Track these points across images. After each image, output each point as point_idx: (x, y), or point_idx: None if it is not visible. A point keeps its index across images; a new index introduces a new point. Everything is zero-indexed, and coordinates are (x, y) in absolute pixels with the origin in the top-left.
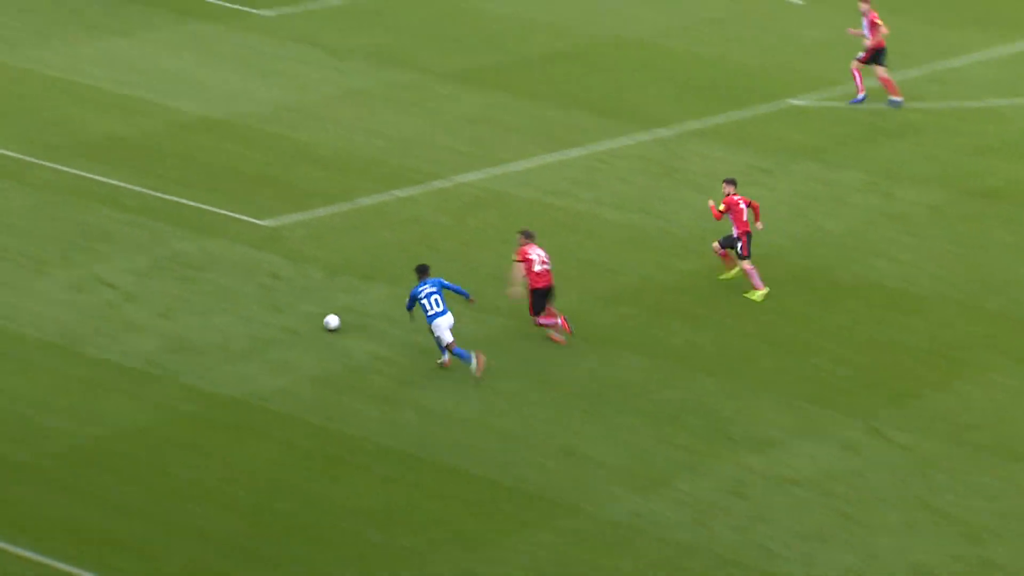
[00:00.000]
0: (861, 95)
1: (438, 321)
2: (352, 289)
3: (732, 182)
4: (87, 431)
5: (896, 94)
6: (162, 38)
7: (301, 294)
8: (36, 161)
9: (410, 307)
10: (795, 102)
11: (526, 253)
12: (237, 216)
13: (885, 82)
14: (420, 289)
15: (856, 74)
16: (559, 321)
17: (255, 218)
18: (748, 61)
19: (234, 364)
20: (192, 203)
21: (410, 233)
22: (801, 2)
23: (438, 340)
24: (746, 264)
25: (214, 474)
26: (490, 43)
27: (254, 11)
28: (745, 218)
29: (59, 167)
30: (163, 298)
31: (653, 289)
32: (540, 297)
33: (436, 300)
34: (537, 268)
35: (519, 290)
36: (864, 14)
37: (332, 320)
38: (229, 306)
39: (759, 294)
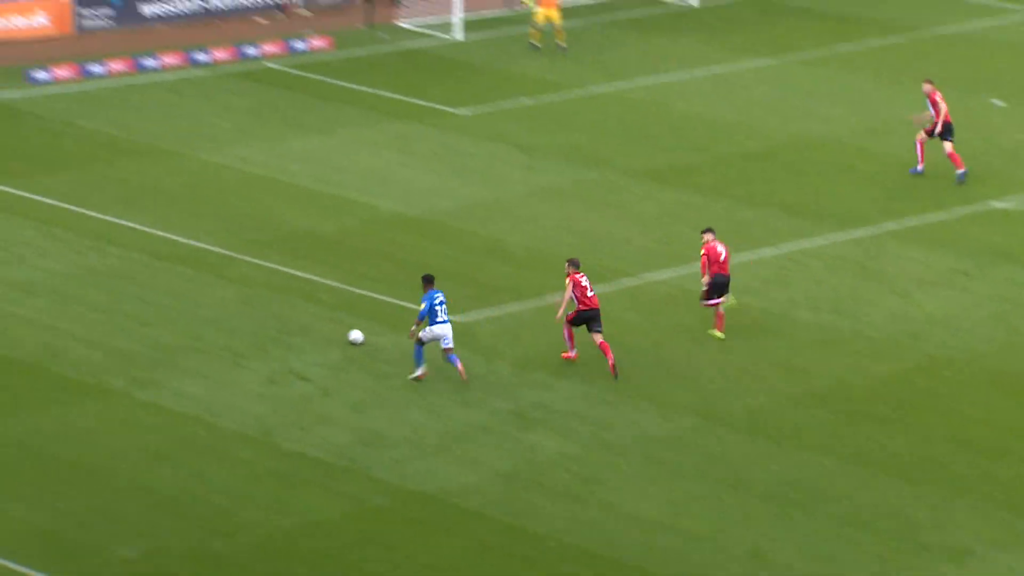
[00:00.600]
0: (920, 167)
1: (442, 329)
2: (541, 385)
3: (711, 231)
4: (280, 522)
5: (960, 166)
6: (361, 136)
7: (491, 389)
8: (236, 256)
9: (425, 314)
10: (997, 204)
11: (578, 281)
12: None
13: (952, 157)
14: (436, 296)
15: (920, 146)
16: (572, 354)
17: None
18: (948, 162)
19: (424, 459)
20: (386, 298)
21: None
22: (1003, 104)
23: (420, 350)
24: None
25: (403, 569)
26: (681, 142)
27: (451, 110)
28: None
29: (258, 261)
30: (356, 392)
31: (845, 391)
32: (585, 318)
33: (445, 309)
34: (590, 293)
35: (559, 305)
36: (927, 95)
37: (356, 336)
38: (420, 401)
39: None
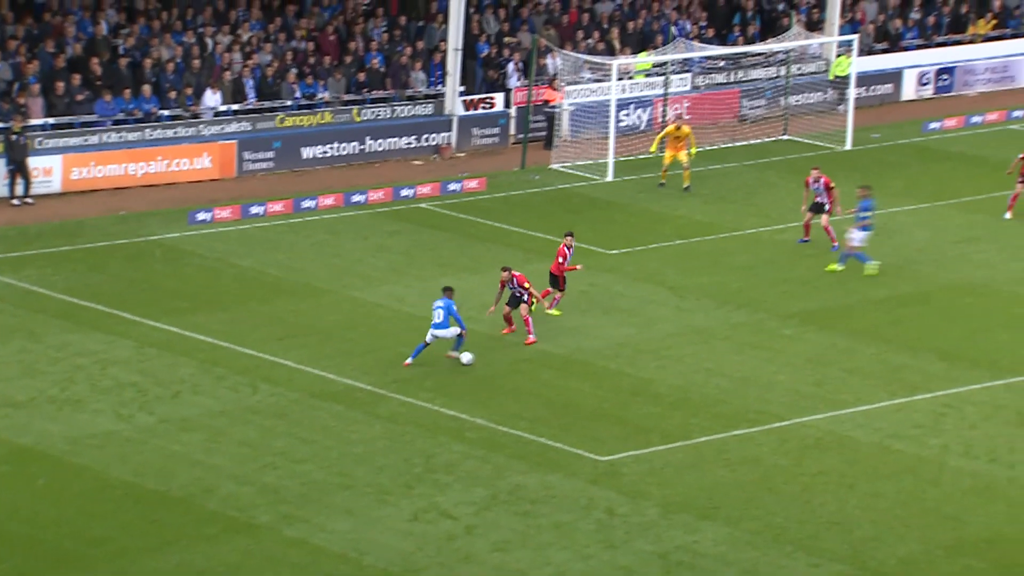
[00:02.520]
0: None
1: (443, 333)
2: (688, 527)
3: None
4: None
5: None
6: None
7: (636, 531)
8: (387, 393)
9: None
10: None
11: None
12: (575, 451)
13: None
14: (453, 304)
15: None
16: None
17: (593, 453)
18: None
19: None
20: (532, 437)
21: (748, 473)
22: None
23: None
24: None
25: None
26: (833, 285)
27: (601, 250)
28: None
29: (407, 399)
30: (500, 531)
31: (1001, 542)
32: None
33: (440, 314)
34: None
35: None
36: None
37: (467, 358)
38: (565, 541)
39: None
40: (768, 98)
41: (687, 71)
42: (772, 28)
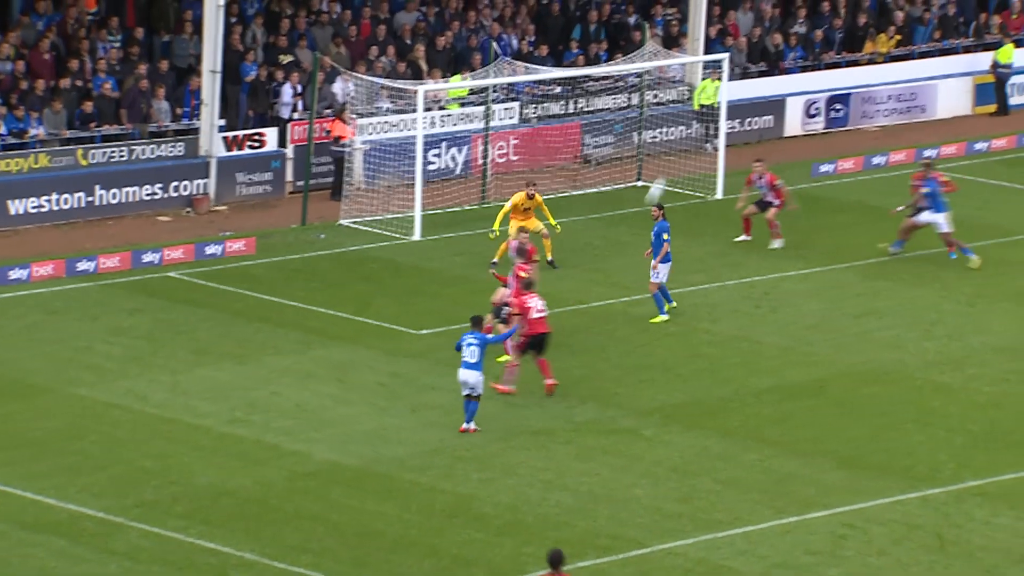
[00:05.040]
0: None
1: (464, 374)
2: None
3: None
4: None
5: None
6: (287, 365)
7: None
8: (124, 522)
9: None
10: None
11: (524, 302)
12: None
13: None
14: (465, 337)
15: None
16: (511, 385)
17: None
18: None
19: None
20: (317, 575)
21: None
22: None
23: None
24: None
25: None
26: (703, 372)
27: (405, 329)
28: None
29: (152, 528)
30: None
31: None
32: (534, 343)
33: (473, 351)
34: (534, 315)
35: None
36: None
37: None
38: None
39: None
40: (617, 134)
41: (514, 99)
42: (621, 45)
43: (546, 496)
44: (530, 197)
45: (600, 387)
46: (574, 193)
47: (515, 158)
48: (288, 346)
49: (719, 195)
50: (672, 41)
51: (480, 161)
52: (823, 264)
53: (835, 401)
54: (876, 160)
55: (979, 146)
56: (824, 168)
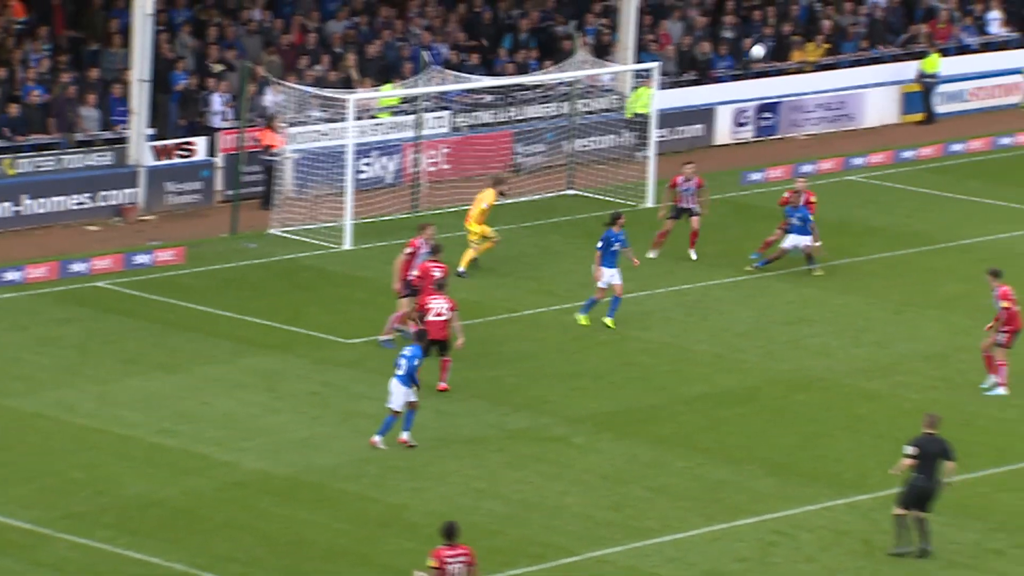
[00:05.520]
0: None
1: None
2: None
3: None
4: None
5: None
6: (218, 374)
7: None
8: (52, 533)
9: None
10: None
11: (427, 302)
12: None
13: None
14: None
15: None
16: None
17: None
18: (978, 409)
19: None
20: None
21: None
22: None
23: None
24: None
25: None
26: (634, 380)
27: (336, 339)
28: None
29: (80, 540)
30: None
31: None
32: (433, 343)
33: (402, 364)
34: (431, 317)
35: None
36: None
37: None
38: None
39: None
40: (549, 142)
41: (444, 108)
42: (552, 53)
43: (478, 505)
44: (502, 195)
45: (532, 395)
46: (505, 202)
47: (446, 167)
48: (218, 356)
49: (649, 203)
50: (603, 50)
51: (411, 170)
52: (753, 272)
53: (765, 408)
54: (805, 168)
55: (907, 154)
56: (754, 176)
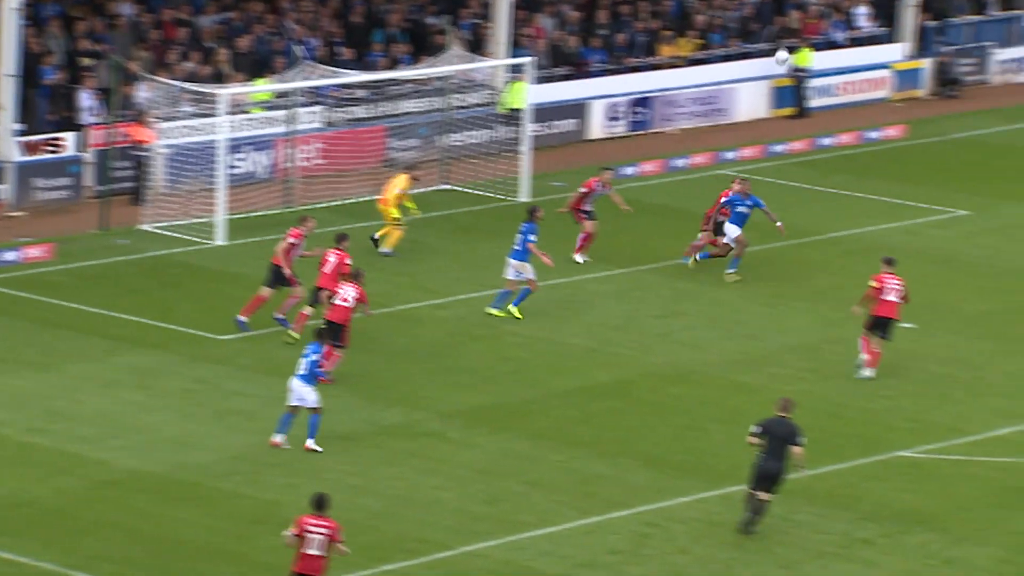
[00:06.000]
0: None
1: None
2: None
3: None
4: None
5: None
6: (89, 372)
7: None
8: None
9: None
10: (906, 454)
11: (337, 286)
12: None
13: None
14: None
15: None
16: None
17: None
18: (847, 400)
19: None
20: None
21: None
22: (915, 326)
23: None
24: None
25: None
26: (508, 374)
27: (209, 335)
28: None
29: None
30: None
31: None
32: (330, 329)
33: (303, 364)
34: (336, 301)
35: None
36: None
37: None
38: None
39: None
40: (423, 137)
41: (318, 103)
42: (424, 48)
43: (353, 500)
44: (415, 179)
45: (407, 390)
46: (378, 197)
47: (320, 162)
48: (90, 353)
49: (524, 197)
50: (477, 44)
51: (284, 165)
52: (627, 266)
53: (640, 402)
54: (678, 163)
55: (778, 148)
56: (627, 171)
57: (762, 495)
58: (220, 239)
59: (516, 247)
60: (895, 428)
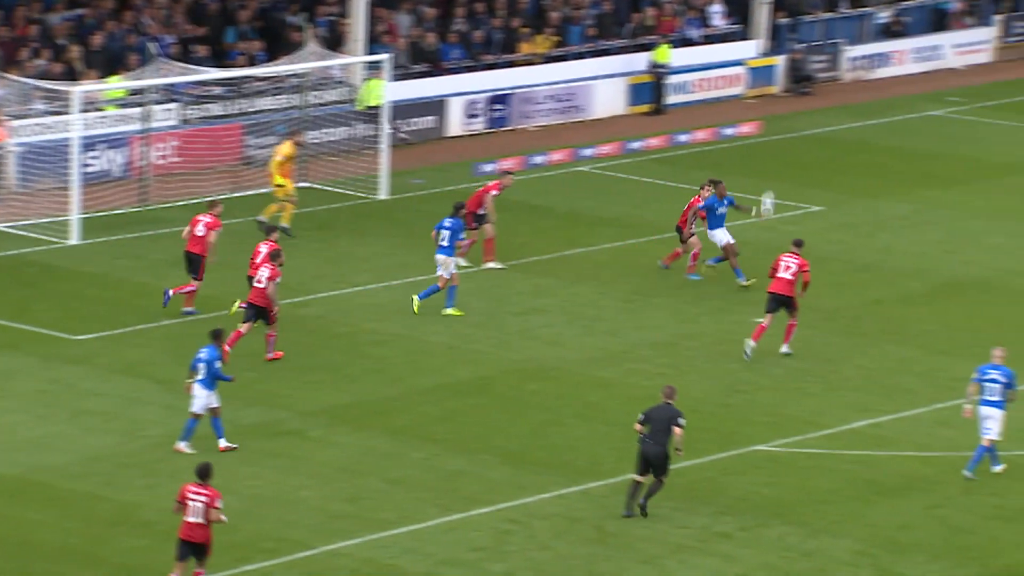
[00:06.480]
0: None
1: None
2: None
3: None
4: None
5: None
6: None
7: None
8: None
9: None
10: (763, 448)
11: (257, 266)
12: None
13: None
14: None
15: None
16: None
17: None
18: (704, 395)
19: None
20: None
21: None
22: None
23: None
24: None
25: None
26: (369, 372)
27: (64, 335)
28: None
29: None
30: None
31: None
32: (250, 310)
33: (200, 368)
34: (255, 283)
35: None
36: None
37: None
38: None
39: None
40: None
41: (173, 100)
42: (279, 45)
43: None
44: (298, 144)
45: (266, 389)
46: (236, 195)
47: (176, 159)
48: None
49: (383, 195)
50: (335, 41)
51: (139, 163)
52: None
53: (500, 398)
54: (536, 160)
55: (635, 145)
56: (486, 168)
57: (639, 478)
58: (75, 238)
59: (443, 243)
60: (752, 422)
